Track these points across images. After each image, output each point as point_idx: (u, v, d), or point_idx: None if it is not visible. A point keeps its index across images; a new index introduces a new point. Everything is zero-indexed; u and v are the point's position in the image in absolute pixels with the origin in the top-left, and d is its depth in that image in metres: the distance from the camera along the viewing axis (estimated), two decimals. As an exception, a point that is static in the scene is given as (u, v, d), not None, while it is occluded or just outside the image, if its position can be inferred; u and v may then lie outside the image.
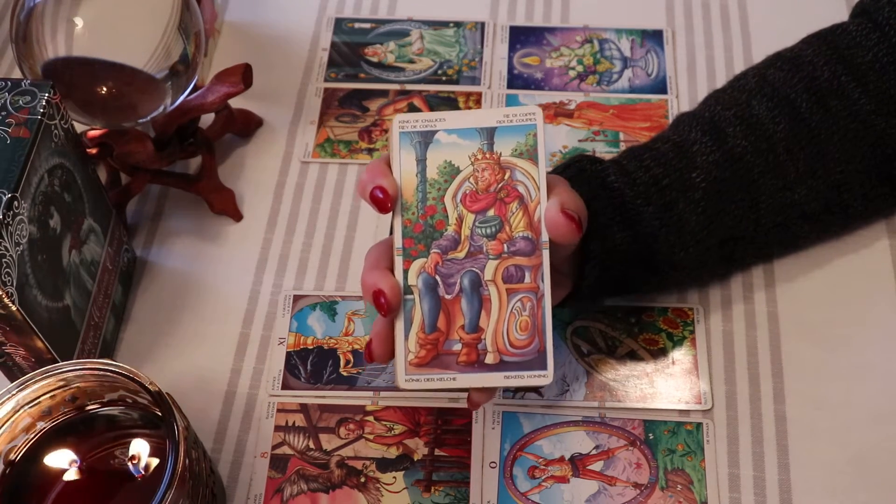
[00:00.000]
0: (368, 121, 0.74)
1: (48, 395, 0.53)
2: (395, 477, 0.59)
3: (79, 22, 0.60)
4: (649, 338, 0.63)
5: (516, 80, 0.76)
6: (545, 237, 0.50)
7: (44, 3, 0.59)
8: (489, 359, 0.50)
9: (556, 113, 0.73)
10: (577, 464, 0.59)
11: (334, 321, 0.65)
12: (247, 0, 0.82)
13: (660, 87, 0.75)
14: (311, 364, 0.63)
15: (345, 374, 0.63)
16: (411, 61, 0.77)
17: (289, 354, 0.63)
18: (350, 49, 0.78)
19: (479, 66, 0.76)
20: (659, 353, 0.63)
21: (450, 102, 0.74)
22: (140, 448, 0.53)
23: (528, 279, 0.50)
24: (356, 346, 0.64)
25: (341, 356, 0.63)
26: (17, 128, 0.53)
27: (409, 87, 0.75)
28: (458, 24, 0.79)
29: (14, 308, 0.51)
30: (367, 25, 0.79)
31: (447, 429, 0.60)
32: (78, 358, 0.58)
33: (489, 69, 0.76)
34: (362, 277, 0.50)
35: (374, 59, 0.77)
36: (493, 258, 0.50)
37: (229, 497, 0.58)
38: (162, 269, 0.68)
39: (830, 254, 0.66)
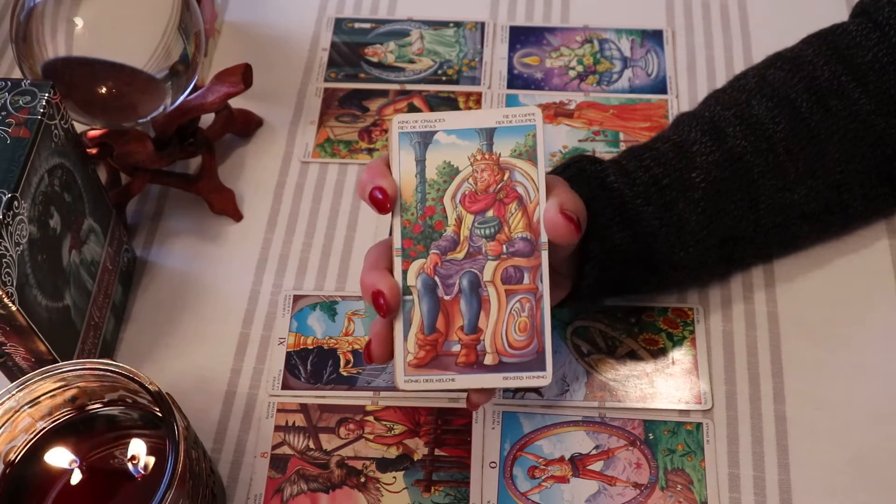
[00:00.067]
0: (368, 121, 0.74)
1: (48, 395, 0.53)
2: (395, 477, 0.59)
3: (79, 22, 0.60)
4: (649, 338, 0.63)
5: (516, 80, 0.76)
6: (544, 238, 0.50)
7: (44, 3, 0.59)
8: (488, 360, 0.50)
9: (556, 113, 0.73)
10: (577, 464, 0.59)
11: (334, 321, 0.65)
12: (247, 0, 0.82)
13: (660, 87, 0.75)
14: (311, 364, 0.63)
15: (345, 374, 0.63)
16: (411, 61, 0.77)
17: (289, 354, 0.63)
18: (350, 49, 0.78)
19: (479, 66, 0.76)
20: (659, 353, 0.63)
21: (450, 102, 0.74)
22: (139, 448, 0.53)
23: (526, 280, 0.50)
24: (356, 346, 0.64)
25: (341, 356, 0.63)
26: (17, 128, 0.53)
27: (409, 87, 0.75)
28: (458, 24, 0.79)
29: (14, 308, 0.51)
30: (367, 25, 0.79)
31: (447, 429, 0.60)
32: (78, 358, 0.58)
33: (489, 69, 0.76)
34: (361, 278, 0.50)
35: (374, 59, 0.77)
36: (492, 259, 0.50)
37: (229, 497, 0.58)
38: (162, 269, 0.68)
39: (830, 254, 0.66)
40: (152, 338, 0.65)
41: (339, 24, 0.79)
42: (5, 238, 0.50)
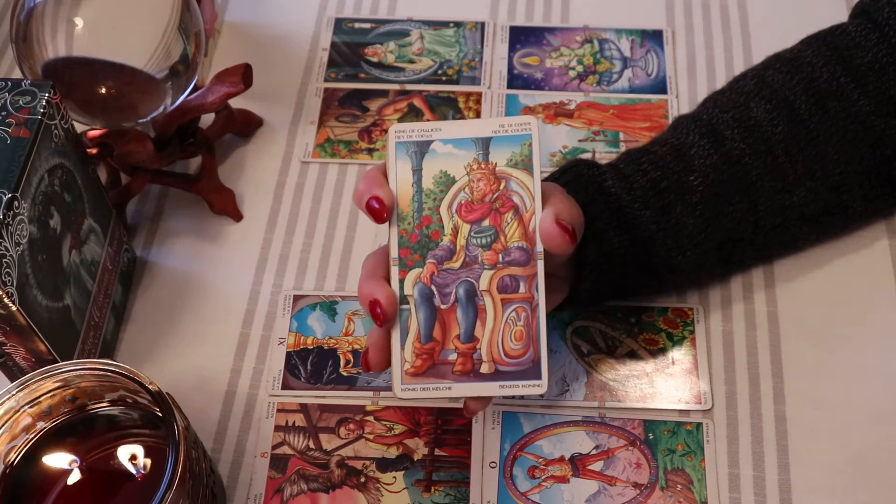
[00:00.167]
0: (368, 121, 0.74)
1: (48, 395, 0.53)
2: (395, 477, 0.59)
3: (79, 22, 0.60)
4: (649, 338, 0.63)
5: (516, 80, 0.76)
6: (540, 247, 0.50)
7: (44, 3, 0.59)
8: (484, 368, 0.50)
9: (556, 113, 0.73)
10: (577, 464, 0.59)
11: (334, 321, 0.65)
12: (247, 0, 0.82)
13: (660, 87, 0.75)
14: (311, 364, 0.63)
15: (345, 373, 0.63)
16: (411, 61, 0.77)
17: (289, 354, 0.63)
18: (350, 49, 0.78)
19: (479, 66, 0.76)
20: (659, 353, 0.63)
21: (450, 102, 0.74)
22: (137, 452, 0.53)
23: (522, 289, 0.50)
24: (356, 346, 0.64)
25: (341, 356, 0.63)
26: (18, 128, 0.53)
27: (409, 87, 0.75)
28: (458, 24, 0.79)
29: (14, 308, 0.51)
30: (367, 25, 0.79)
31: (447, 429, 0.60)
32: (78, 358, 0.58)
33: (489, 69, 0.76)
34: (359, 286, 0.51)
35: (374, 59, 0.77)
36: (488, 268, 0.50)
37: (229, 497, 0.58)
38: (162, 269, 0.68)
39: (830, 254, 0.66)
40: (152, 338, 0.65)
41: (339, 24, 0.79)
42: (5, 238, 0.50)
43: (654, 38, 0.78)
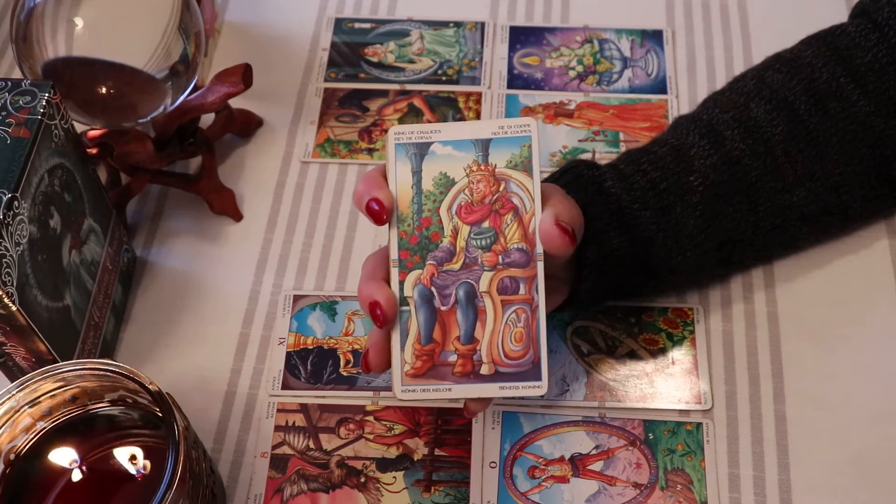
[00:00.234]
0: (368, 121, 0.74)
1: (48, 395, 0.53)
2: (395, 477, 0.59)
3: (79, 22, 0.60)
4: (649, 338, 0.63)
5: (516, 80, 0.76)
6: (540, 249, 0.50)
7: (44, 3, 0.59)
8: (484, 370, 0.50)
9: (556, 113, 0.73)
10: (577, 464, 0.59)
11: (334, 321, 0.65)
12: (247, 0, 0.82)
13: (660, 87, 0.75)
14: (311, 364, 0.63)
15: (345, 374, 0.63)
16: (411, 61, 0.77)
17: (289, 354, 0.63)
18: (350, 49, 0.78)
19: (479, 66, 0.76)
20: (659, 353, 0.63)
21: (450, 103, 0.74)
22: (137, 452, 0.53)
23: (522, 290, 0.50)
24: (356, 346, 0.64)
25: (341, 356, 0.63)
26: (18, 128, 0.53)
27: (409, 87, 0.75)
28: (458, 24, 0.79)
29: (14, 308, 0.51)
30: (367, 25, 0.79)
31: (447, 429, 0.60)
32: (78, 358, 0.58)
33: (489, 69, 0.76)
34: (359, 288, 0.51)
35: (374, 59, 0.77)
36: (487, 270, 0.50)
37: (229, 497, 0.58)
38: (162, 269, 0.68)
39: (830, 254, 0.66)
40: (152, 338, 0.65)
41: (339, 24, 0.79)
42: (5, 238, 0.50)
43: (654, 38, 0.78)
